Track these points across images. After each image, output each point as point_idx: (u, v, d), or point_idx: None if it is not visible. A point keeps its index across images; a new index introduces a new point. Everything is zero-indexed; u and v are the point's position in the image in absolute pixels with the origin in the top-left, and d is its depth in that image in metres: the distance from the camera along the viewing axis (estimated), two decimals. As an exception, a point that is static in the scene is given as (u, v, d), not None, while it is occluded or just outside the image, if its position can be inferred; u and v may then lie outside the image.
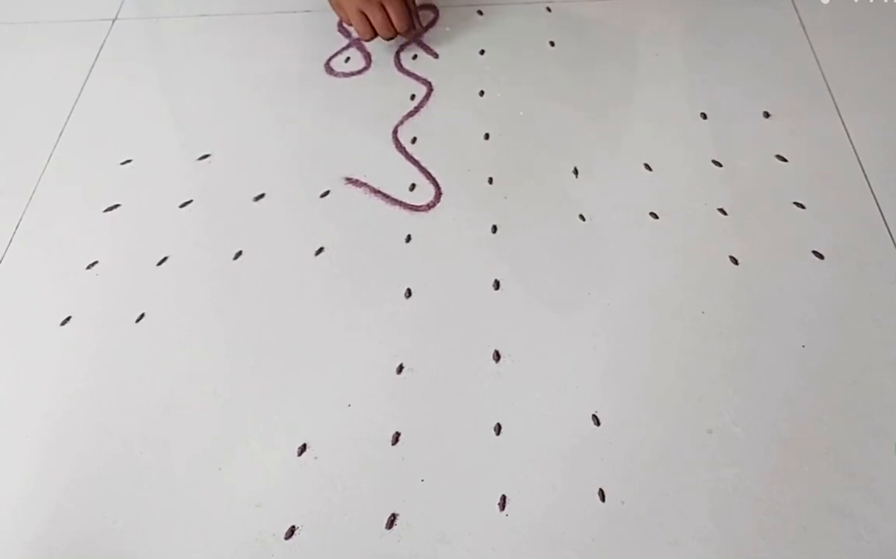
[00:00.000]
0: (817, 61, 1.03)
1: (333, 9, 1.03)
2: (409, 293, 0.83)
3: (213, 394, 0.77)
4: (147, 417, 0.76)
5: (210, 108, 1.04)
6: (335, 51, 1.10)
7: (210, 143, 0.98)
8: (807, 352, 0.76)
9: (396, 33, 1.02)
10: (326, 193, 0.92)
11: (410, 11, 1.02)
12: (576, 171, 0.93)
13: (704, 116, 0.98)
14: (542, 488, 0.69)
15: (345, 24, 1.05)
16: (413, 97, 1.03)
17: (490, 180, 0.93)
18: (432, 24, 1.13)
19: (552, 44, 1.09)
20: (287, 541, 0.67)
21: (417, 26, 1.05)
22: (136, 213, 0.92)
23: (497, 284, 0.83)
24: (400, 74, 1.06)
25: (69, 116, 1.04)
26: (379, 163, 0.95)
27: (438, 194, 0.92)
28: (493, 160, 0.95)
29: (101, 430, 0.75)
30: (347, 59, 1.09)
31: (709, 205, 0.88)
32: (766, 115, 0.97)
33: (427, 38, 1.11)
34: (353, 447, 0.73)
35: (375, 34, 1.01)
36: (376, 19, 0.99)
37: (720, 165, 0.92)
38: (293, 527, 0.68)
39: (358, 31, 1.01)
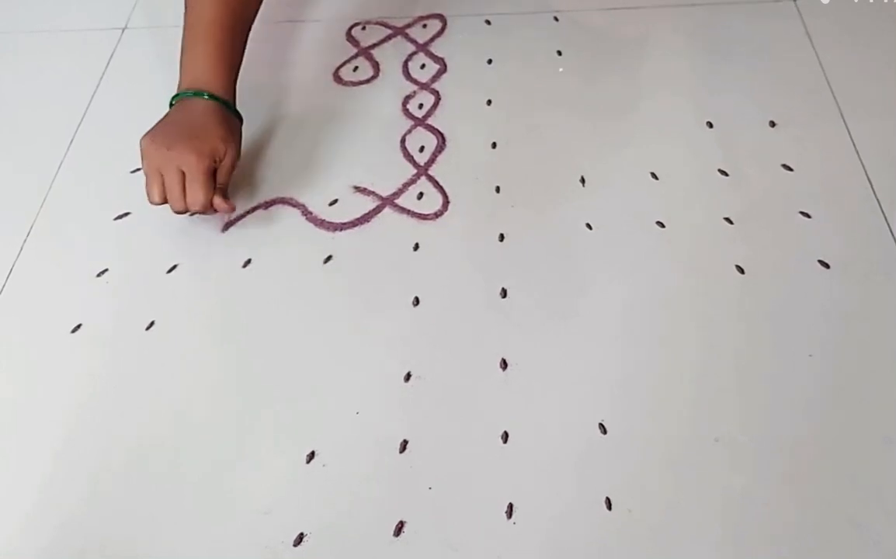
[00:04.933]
0: (823, 70, 1.03)
1: (140, 156, 0.85)
2: (416, 301, 0.83)
3: (222, 401, 0.78)
4: (156, 425, 0.76)
5: (219, 116, 1.04)
6: (343, 60, 1.11)
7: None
8: (813, 362, 0.76)
9: (186, 209, 0.84)
10: (335, 202, 0.93)
11: (211, 192, 0.84)
12: (583, 180, 0.93)
13: (710, 125, 0.98)
14: (549, 496, 0.70)
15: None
16: (421, 106, 1.04)
17: (497, 189, 0.93)
18: (439, 34, 1.14)
19: (559, 53, 1.09)
20: (296, 549, 0.68)
21: (219, 206, 0.85)
22: (146, 221, 0.93)
23: (504, 293, 0.83)
24: (408, 83, 1.07)
25: (79, 125, 1.05)
26: (387, 171, 0.96)
27: (446, 203, 0.92)
28: (501, 169, 0.95)
29: (111, 438, 0.76)
30: (356, 69, 1.10)
31: (715, 214, 0.89)
32: (772, 124, 0.98)
33: (435, 47, 1.12)
34: (361, 454, 0.73)
35: (166, 201, 0.84)
36: (170, 187, 0.83)
37: (726, 174, 0.93)
38: (302, 534, 0.68)
39: (147, 192, 0.84)
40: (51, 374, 0.81)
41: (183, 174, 0.82)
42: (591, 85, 1.05)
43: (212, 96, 0.88)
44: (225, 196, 0.86)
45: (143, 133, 0.86)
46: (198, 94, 0.88)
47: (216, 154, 0.84)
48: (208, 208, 0.84)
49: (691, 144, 0.96)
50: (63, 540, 0.69)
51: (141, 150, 0.84)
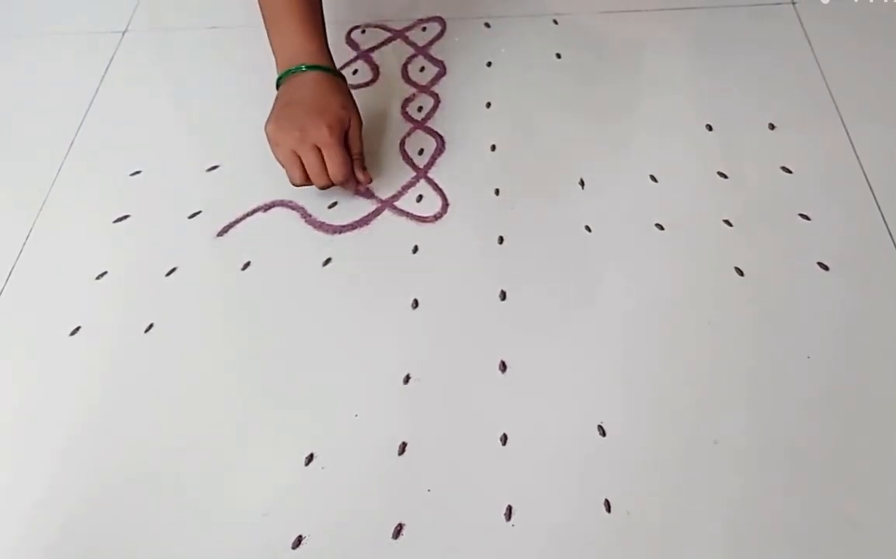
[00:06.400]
0: (822, 73, 1.03)
1: (270, 145, 0.87)
2: (415, 304, 0.83)
3: (221, 404, 0.77)
4: (155, 427, 0.76)
5: (219, 119, 1.04)
6: (343, 62, 1.11)
7: (219, 154, 0.99)
8: (812, 364, 0.76)
9: (331, 183, 0.86)
10: (334, 204, 0.93)
11: (350, 162, 0.87)
12: (582, 183, 0.93)
13: (710, 128, 0.98)
14: (548, 498, 0.70)
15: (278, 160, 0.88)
16: (420, 109, 1.04)
17: (497, 191, 0.93)
18: (438, 37, 1.14)
19: (559, 56, 1.10)
20: (294, 551, 0.68)
21: (361, 178, 0.90)
22: (146, 224, 0.93)
23: (503, 295, 0.83)
24: (407, 86, 1.07)
25: (79, 127, 1.05)
26: (386, 174, 0.96)
27: (445, 205, 0.92)
28: (500, 171, 0.95)
29: (110, 440, 0.76)
30: (355, 72, 1.10)
31: (714, 216, 0.89)
32: (772, 126, 0.98)
33: (434, 50, 1.12)
34: (360, 457, 0.73)
35: (308, 181, 0.86)
36: (310, 164, 0.84)
37: (726, 177, 0.93)
38: (300, 536, 0.68)
39: (289, 176, 0.86)
40: (50, 377, 0.81)
41: (319, 150, 0.84)
42: (591, 87, 1.05)
43: (312, 67, 0.88)
44: (362, 165, 0.90)
45: (265, 123, 0.86)
46: (299, 68, 0.88)
47: (343, 121, 0.86)
48: (351, 178, 0.87)
49: (691, 147, 0.96)
50: (64, 541, 0.69)
51: (269, 138, 0.86)
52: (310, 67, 0.88)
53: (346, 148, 0.86)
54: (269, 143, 0.86)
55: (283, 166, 0.86)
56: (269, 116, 0.87)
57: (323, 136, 0.83)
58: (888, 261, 0.84)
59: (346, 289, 0.86)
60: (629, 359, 0.78)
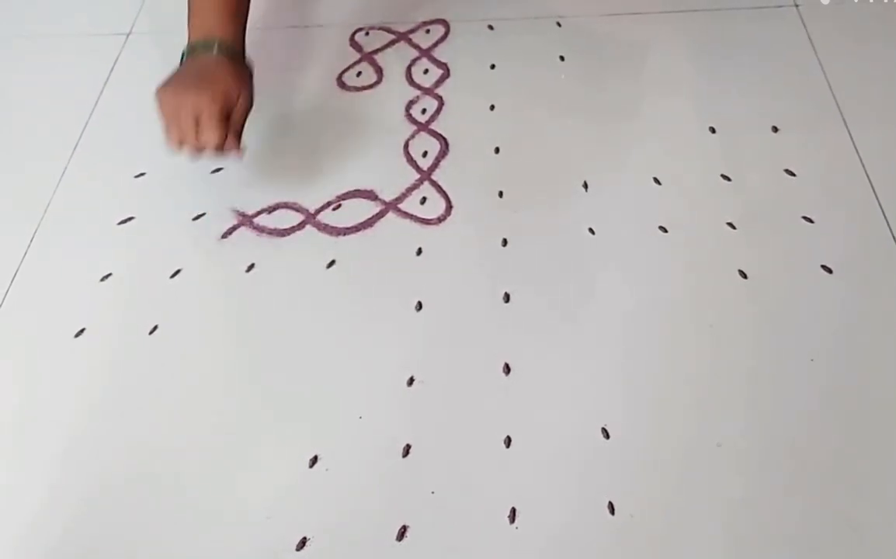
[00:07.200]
0: (825, 76, 1.03)
1: (156, 105, 0.86)
2: (419, 306, 0.84)
3: (225, 405, 0.78)
4: (159, 429, 0.76)
5: (223, 121, 1.04)
6: (347, 65, 1.11)
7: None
8: (815, 366, 0.76)
9: (202, 149, 0.85)
10: (338, 207, 0.93)
11: (224, 135, 0.84)
12: (585, 185, 0.93)
13: (713, 131, 0.98)
14: (551, 501, 0.70)
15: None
16: (424, 111, 1.04)
17: (500, 194, 0.93)
18: (442, 39, 1.14)
19: (562, 58, 1.10)
20: (298, 553, 0.68)
21: (232, 148, 0.86)
22: (150, 226, 0.93)
23: (507, 297, 0.84)
24: (411, 89, 1.07)
25: (83, 130, 1.05)
26: (390, 176, 0.96)
27: (449, 208, 0.92)
28: (504, 174, 0.95)
29: (113, 441, 0.76)
30: (359, 74, 1.10)
31: (718, 219, 0.89)
32: (775, 129, 0.98)
33: (438, 52, 1.12)
34: (364, 459, 0.73)
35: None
36: (184, 128, 0.84)
37: (729, 179, 0.93)
38: (304, 538, 0.68)
39: (165, 136, 0.85)
40: (54, 378, 0.81)
41: (198, 118, 0.83)
42: (594, 90, 1.05)
43: (221, 46, 0.88)
44: (238, 140, 0.87)
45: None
46: (207, 46, 0.88)
47: (229, 96, 0.85)
48: (220, 149, 0.85)
49: (694, 149, 0.96)
50: (65, 541, 0.70)
51: (157, 100, 0.85)
52: (221, 47, 0.88)
53: (226, 121, 0.85)
54: (156, 102, 0.85)
55: (163, 127, 0.85)
56: (164, 80, 0.87)
57: (203, 102, 0.83)
58: (891, 263, 0.84)
59: (349, 292, 0.86)
60: (633, 361, 0.78)
